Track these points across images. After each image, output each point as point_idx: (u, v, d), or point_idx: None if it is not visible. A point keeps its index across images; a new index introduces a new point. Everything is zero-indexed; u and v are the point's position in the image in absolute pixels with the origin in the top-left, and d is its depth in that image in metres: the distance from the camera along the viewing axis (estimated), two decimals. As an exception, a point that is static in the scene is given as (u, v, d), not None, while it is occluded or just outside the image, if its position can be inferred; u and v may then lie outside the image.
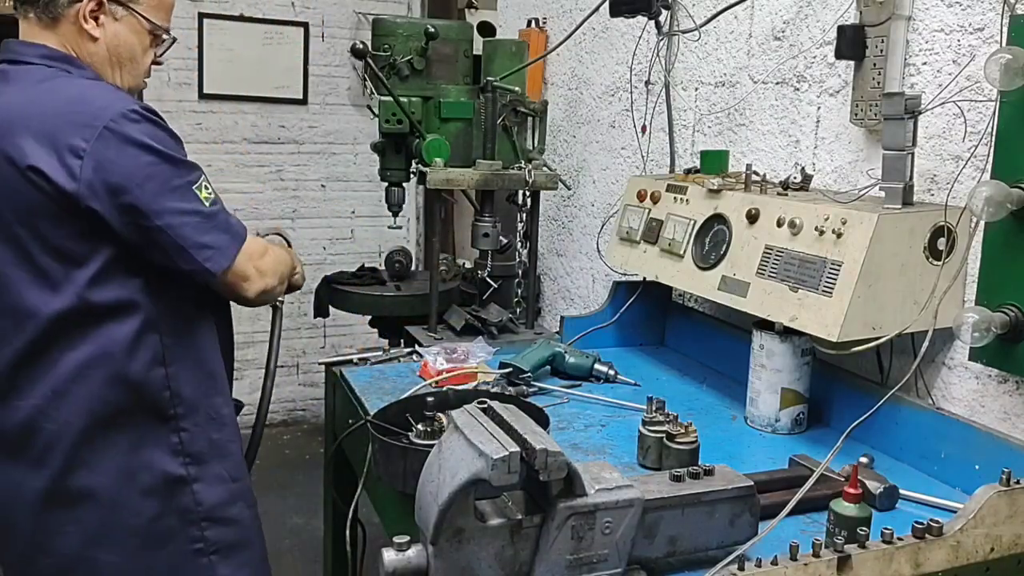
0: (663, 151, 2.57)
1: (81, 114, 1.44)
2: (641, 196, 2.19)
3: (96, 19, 1.55)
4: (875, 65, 1.81)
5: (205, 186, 1.53)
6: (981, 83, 1.59)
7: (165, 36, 1.66)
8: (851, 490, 1.30)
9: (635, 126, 2.68)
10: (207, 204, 1.52)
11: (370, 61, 2.36)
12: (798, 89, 2.08)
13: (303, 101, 4.72)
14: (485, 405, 1.23)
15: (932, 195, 1.73)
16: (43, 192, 1.42)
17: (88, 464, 1.51)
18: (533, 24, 3.30)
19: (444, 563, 1.10)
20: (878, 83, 1.80)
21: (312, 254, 4.88)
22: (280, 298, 1.86)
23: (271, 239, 1.80)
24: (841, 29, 1.85)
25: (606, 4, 2.46)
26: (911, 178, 1.64)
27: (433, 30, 2.44)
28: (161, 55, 1.68)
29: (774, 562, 1.10)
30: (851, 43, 1.83)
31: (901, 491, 1.49)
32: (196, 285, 1.58)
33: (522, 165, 2.55)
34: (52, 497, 1.51)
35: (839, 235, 1.60)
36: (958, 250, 1.62)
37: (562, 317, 2.47)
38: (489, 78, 2.50)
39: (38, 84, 1.50)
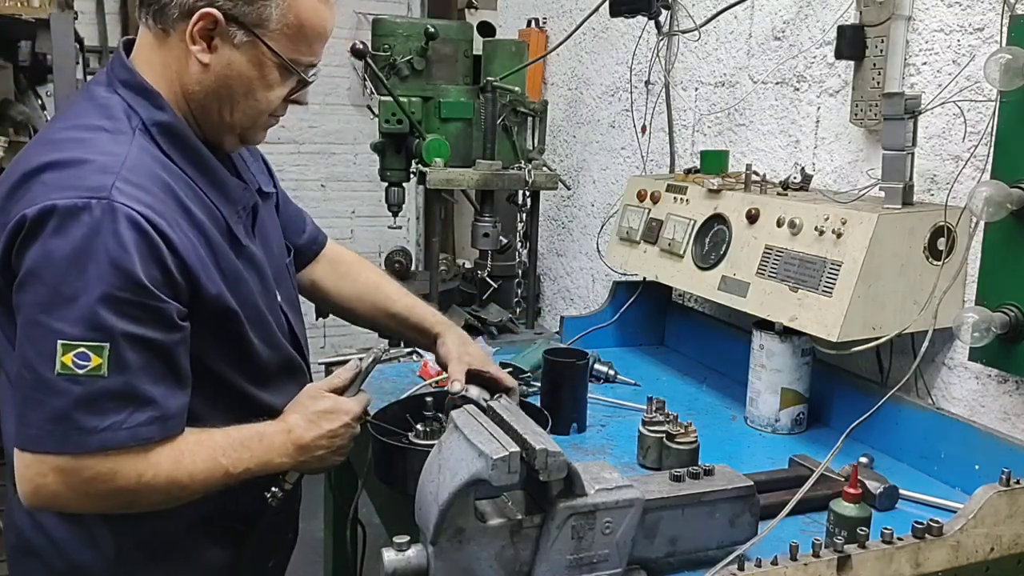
0: (663, 151, 2.57)
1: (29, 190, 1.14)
2: (641, 196, 2.19)
3: (209, 41, 1.23)
4: (875, 65, 1.81)
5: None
6: (981, 83, 1.59)
7: (303, 75, 1.29)
8: (851, 490, 1.30)
9: (635, 126, 2.68)
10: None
11: (370, 61, 2.36)
12: (798, 89, 2.08)
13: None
14: (485, 405, 1.23)
15: (932, 195, 1.73)
16: None
17: None
18: (533, 24, 3.30)
19: (444, 563, 1.10)
20: (878, 83, 1.80)
21: (312, 254, 4.88)
22: None
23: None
24: (841, 29, 1.85)
25: (606, 4, 2.46)
26: (911, 178, 1.64)
27: (433, 30, 2.44)
28: (295, 95, 1.33)
29: (774, 562, 1.10)
30: (851, 43, 1.83)
31: (901, 491, 1.49)
32: None
33: (522, 165, 2.55)
34: None
35: (839, 235, 1.60)
36: (958, 250, 1.62)
37: (562, 317, 2.47)
38: (489, 78, 2.50)
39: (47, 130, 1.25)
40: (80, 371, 1.10)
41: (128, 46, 1.31)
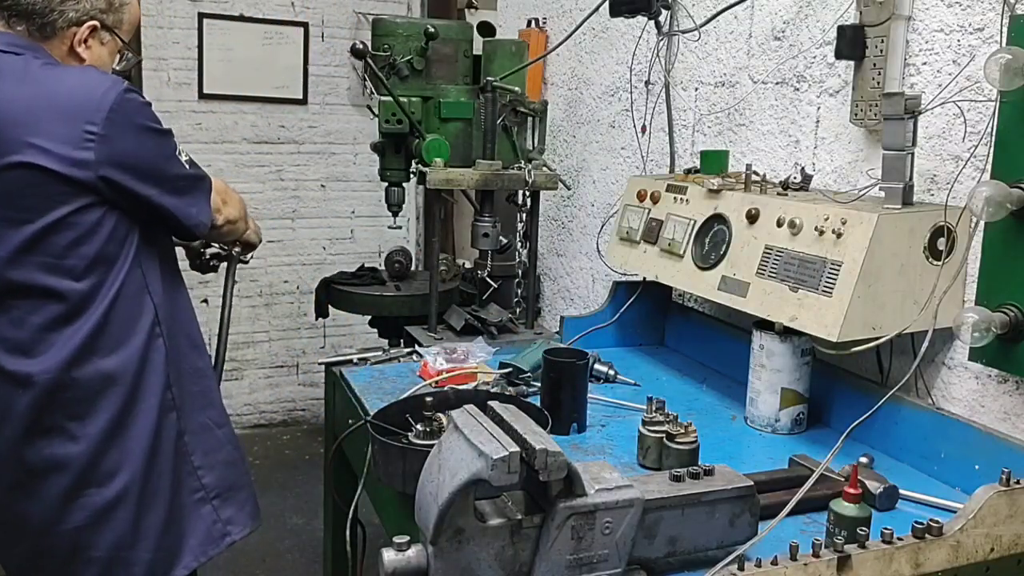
0: (663, 151, 2.57)
1: (89, 101, 1.50)
2: (641, 196, 2.19)
3: (86, 42, 1.62)
4: (875, 65, 1.81)
5: (179, 148, 1.66)
6: (981, 83, 1.59)
7: (131, 56, 1.78)
8: (851, 490, 1.30)
9: (635, 126, 2.68)
10: (187, 166, 1.66)
11: (370, 61, 2.36)
12: (798, 89, 2.08)
13: (303, 101, 4.72)
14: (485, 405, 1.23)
15: (932, 195, 1.73)
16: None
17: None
18: (533, 24, 3.30)
19: (444, 563, 1.10)
20: (878, 83, 1.80)
21: (312, 254, 4.88)
22: (239, 252, 2.10)
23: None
24: (841, 29, 1.85)
25: (606, 4, 2.46)
26: (911, 178, 1.64)
27: (433, 30, 2.44)
28: (120, 69, 1.77)
29: (774, 562, 1.10)
30: (851, 43, 1.83)
31: (901, 491, 1.49)
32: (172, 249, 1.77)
33: (522, 165, 2.54)
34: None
35: (839, 235, 1.60)
36: (958, 250, 1.62)
37: (562, 317, 2.47)
38: (489, 78, 2.50)
39: (30, 77, 1.51)
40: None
41: None
